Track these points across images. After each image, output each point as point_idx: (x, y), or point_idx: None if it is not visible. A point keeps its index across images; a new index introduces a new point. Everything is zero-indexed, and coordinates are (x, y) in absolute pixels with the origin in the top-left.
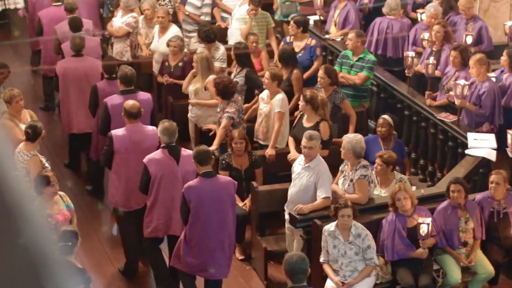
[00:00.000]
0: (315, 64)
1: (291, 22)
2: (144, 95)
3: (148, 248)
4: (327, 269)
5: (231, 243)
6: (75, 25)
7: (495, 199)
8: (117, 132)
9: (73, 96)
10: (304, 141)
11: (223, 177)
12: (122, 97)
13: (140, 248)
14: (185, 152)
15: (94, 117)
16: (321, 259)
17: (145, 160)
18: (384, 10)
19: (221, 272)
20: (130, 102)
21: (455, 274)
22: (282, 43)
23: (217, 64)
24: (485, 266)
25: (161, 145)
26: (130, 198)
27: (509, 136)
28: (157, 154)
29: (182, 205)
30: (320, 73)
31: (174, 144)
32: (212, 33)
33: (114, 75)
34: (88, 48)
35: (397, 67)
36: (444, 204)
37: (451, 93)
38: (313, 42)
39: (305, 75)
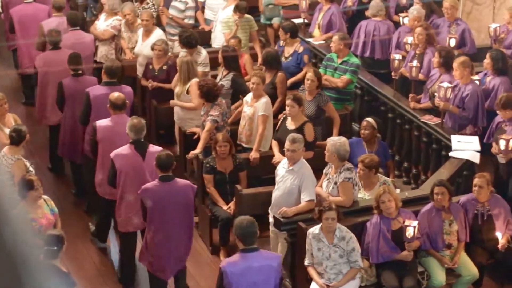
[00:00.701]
0: (304, 71)
1: (280, 28)
2: (126, 88)
3: (121, 241)
4: (311, 272)
5: (187, 246)
6: (74, 21)
7: (479, 202)
8: (101, 122)
9: (51, 89)
10: (287, 144)
11: (182, 180)
12: (104, 88)
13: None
14: (153, 148)
15: (62, 112)
16: (306, 262)
17: (111, 154)
18: (369, 12)
19: (177, 267)
20: (116, 94)
21: (439, 276)
22: (276, 46)
23: (199, 69)
24: (469, 268)
25: (129, 141)
26: (113, 188)
27: (501, 142)
28: (124, 149)
29: (141, 205)
30: (310, 75)
31: (142, 140)
32: (193, 39)
33: (80, 72)
34: (82, 43)
35: (384, 69)
36: (428, 206)
37: (437, 100)
38: (301, 48)
39: (291, 80)
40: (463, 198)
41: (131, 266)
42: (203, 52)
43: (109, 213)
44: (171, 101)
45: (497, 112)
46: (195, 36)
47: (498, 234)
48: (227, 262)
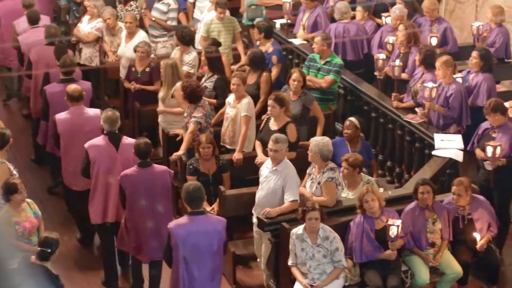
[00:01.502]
0: (273, 72)
1: (255, 28)
2: (84, 84)
3: (99, 232)
4: (295, 272)
5: (166, 230)
6: (34, 18)
7: (460, 206)
8: (60, 116)
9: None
10: (270, 144)
11: (159, 166)
12: (61, 85)
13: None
14: (127, 140)
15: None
16: (290, 262)
17: (86, 145)
18: (336, 16)
19: (156, 254)
20: (72, 86)
21: (423, 274)
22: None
23: (185, 68)
24: (453, 266)
25: (104, 132)
26: (77, 178)
27: (488, 149)
28: (98, 140)
29: (120, 192)
30: (297, 76)
31: (116, 132)
32: (188, 35)
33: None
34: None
35: (358, 69)
36: (411, 205)
37: (424, 100)
38: (271, 49)
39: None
40: (445, 200)
41: (113, 264)
42: (194, 53)
43: (79, 204)
44: (158, 109)
45: (486, 117)
46: (190, 34)
47: (476, 235)
48: (175, 224)
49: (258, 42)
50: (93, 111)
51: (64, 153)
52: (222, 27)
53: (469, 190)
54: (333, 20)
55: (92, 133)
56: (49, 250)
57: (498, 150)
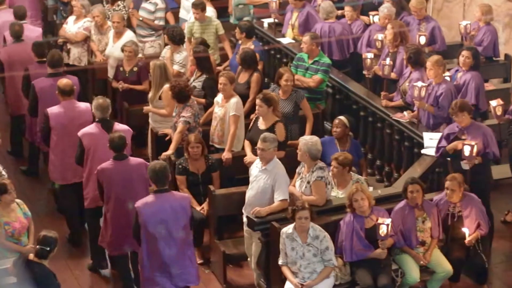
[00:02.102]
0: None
1: (237, 27)
2: (72, 78)
3: (89, 219)
4: (286, 271)
5: None
6: (20, 14)
7: (452, 202)
8: (52, 109)
9: (19, 79)
10: (258, 143)
11: (135, 159)
12: (49, 79)
13: (80, 219)
14: (118, 126)
15: (27, 99)
16: (280, 262)
17: (79, 133)
18: (321, 16)
19: (134, 246)
20: (64, 81)
21: (413, 273)
22: (236, 46)
23: (176, 67)
24: (443, 265)
25: (96, 120)
26: (67, 172)
27: (466, 148)
28: (91, 128)
29: (98, 186)
30: (288, 76)
31: (108, 118)
32: (178, 35)
33: (45, 59)
34: (30, 38)
35: (344, 68)
36: (401, 204)
37: (414, 99)
38: (252, 47)
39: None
40: (436, 197)
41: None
42: (184, 52)
43: (68, 198)
44: (145, 108)
45: (453, 117)
46: (180, 33)
47: (465, 230)
48: (141, 202)
49: (239, 42)
50: (84, 105)
51: (54, 147)
52: (202, 29)
53: (462, 186)
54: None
55: (83, 126)
56: (48, 248)
57: (475, 148)
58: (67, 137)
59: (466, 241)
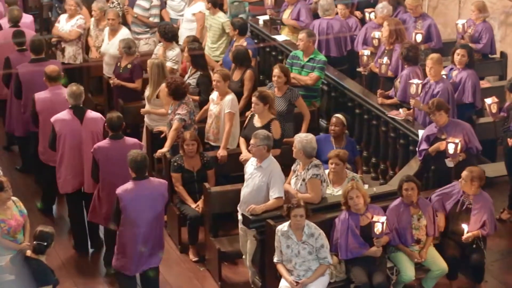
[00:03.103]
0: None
1: (230, 24)
2: (54, 63)
3: (68, 205)
4: (281, 269)
5: None
6: (10, 1)
7: (465, 192)
8: (39, 94)
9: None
10: (251, 140)
11: (130, 138)
12: (32, 65)
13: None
14: (91, 113)
15: (7, 87)
16: (275, 259)
17: (52, 119)
18: (319, 13)
19: None
20: (51, 67)
21: (408, 271)
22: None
23: (169, 64)
24: (438, 263)
25: (69, 106)
26: (55, 155)
27: (450, 146)
28: (63, 114)
29: (93, 164)
30: (277, 72)
31: (81, 105)
32: (170, 32)
33: (24, 47)
34: (24, 25)
35: (341, 66)
36: (396, 202)
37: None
38: (245, 44)
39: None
40: (450, 186)
41: (83, 230)
42: (177, 49)
43: (54, 181)
44: (142, 110)
45: (430, 117)
46: (172, 30)
47: (464, 226)
48: (122, 189)
49: (234, 38)
50: None
51: (42, 131)
52: (211, 23)
53: (476, 182)
54: (315, 15)
55: None
56: (45, 244)
57: (459, 146)
58: None
59: (463, 237)
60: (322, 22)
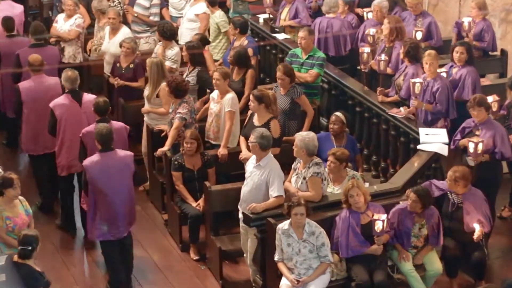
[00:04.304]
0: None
1: (230, 23)
2: (52, 49)
3: (62, 185)
4: (281, 267)
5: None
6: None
7: (453, 191)
8: (23, 84)
9: None
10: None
11: (117, 122)
12: (32, 50)
13: (52, 188)
14: (87, 96)
15: None
16: (276, 258)
17: (51, 104)
18: (323, 9)
19: None
20: (34, 56)
21: (404, 267)
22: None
23: (168, 63)
24: (433, 263)
25: (65, 91)
26: (38, 144)
27: (470, 145)
28: (61, 98)
29: (80, 148)
30: (279, 75)
31: (77, 89)
32: (169, 30)
33: (14, 33)
34: (14, 15)
35: (341, 65)
36: (403, 205)
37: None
38: (245, 42)
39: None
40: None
41: (70, 210)
42: (176, 48)
43: (40, 168)
44: (143, 109)
45: (470, 111)
46: (171, 29)
47: (476, 226)
48: (88, 160)
49: (234, 37)
50: (53, 79)
51: (26, 119)
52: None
53: (461, 182)
54: (317, 14)
55: (53, 99)
56: (30, 248)
57: (480, 146)
58: (37, 110)
59: (475, 237)
60: (323, 20)
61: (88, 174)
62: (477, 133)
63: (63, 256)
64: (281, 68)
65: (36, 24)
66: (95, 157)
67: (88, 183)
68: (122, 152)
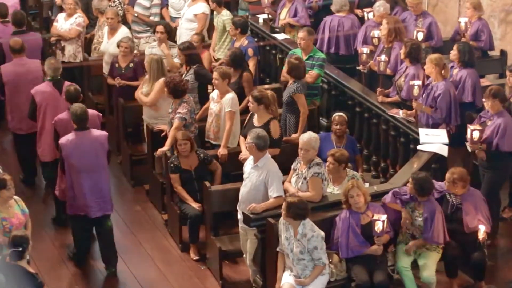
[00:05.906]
0: (250, 64)
1: (231, 23)
2: (34, 35)
3: (45, 173)
4: (279, 259)
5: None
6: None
7: (451, 192)
8: (5, 66)
9: None
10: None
11: (91, 110)
12: (15, 37)
13: (35, 167)
14: (67, 84)
15: None
16: (278, 248)
17: (32, 91)
18: (333, 8)
19: None
20: (15, 39)
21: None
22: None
23: (176, 61)
24: (427, 268)
25: (47, 79)
26: (21, 123)
27: (469, 131)
28: (43, 86)
29: (54, 136)
30: (282, 72)
31: (59, 77)
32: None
33: (7, 19)
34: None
35: (350, 64)
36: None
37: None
38: (246, 42)
39: None
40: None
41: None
42: (175, 47)
43: (24, 147)
44: (137, 96)
45: (484, 100)
46: (171, 29)
47: (481, 227)
48: (64, 139)
49: (234, 38)
50: (34, 62)
51: (9, 101)
52: (215, 21)
53: (459, 183)
54: (317, 14)
55: (34, 81)
56: (20, 249)
57: (475, 133)
58: (19, 92)
59: (480, 238)
60: (334, 18)
61: (63, 152)
62: (488, 123)
63: (63, 256)
64: (287, 64)
65: (16, 12)
66: (70, 136)
67: (64, 160)
68: (96, 132)
